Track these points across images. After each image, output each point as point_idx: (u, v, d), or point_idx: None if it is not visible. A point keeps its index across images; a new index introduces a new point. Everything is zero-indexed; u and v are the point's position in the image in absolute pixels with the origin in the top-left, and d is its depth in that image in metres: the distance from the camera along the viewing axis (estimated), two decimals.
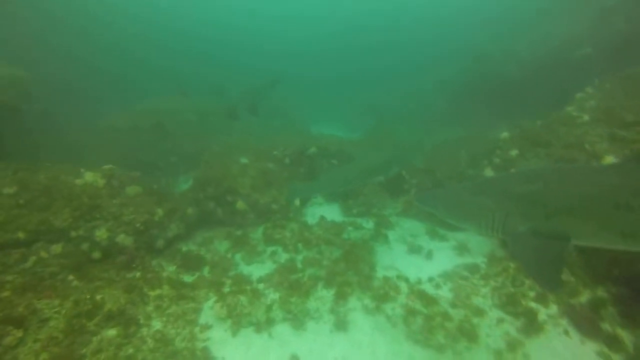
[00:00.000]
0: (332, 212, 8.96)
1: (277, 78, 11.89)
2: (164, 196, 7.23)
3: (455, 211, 4.94)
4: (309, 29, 46.33)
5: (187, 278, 6.13)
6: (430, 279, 6.13)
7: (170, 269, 6.38)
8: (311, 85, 27.08)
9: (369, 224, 8.42)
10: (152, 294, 5.11)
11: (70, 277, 5.26)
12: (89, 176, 6.81)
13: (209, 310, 5.16)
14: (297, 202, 8.60)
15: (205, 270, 6.39)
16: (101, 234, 6.07)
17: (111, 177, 7.05)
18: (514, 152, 8.57)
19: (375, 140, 14.16)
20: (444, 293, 5.73)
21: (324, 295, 5.58)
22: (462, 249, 7.22)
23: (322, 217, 8.20)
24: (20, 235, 5.51)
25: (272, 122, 17.50)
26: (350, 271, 6.09)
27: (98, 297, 4.70)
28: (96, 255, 6.01)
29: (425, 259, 7.03)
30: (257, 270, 6.36)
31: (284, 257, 6.72)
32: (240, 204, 7.76)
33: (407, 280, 6.02)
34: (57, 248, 5.62)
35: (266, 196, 8.05)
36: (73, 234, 5.89)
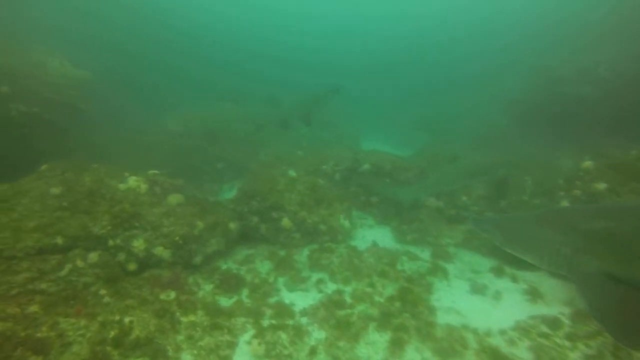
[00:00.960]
0: (383, 237, 8.15)
1: (336, 88, 11.31)
2: (206, 207, 6.80)
3: (515, 240, 4.61)
4: (364, 44, 46.01)
5: (224, 301, 5.58)
6: (502, 332, 5.15)
7: (207, 288, 5.88)
8: (363, 99, 26.44)
9: (424, 254, 7.54)
10: (185, 320, 4.59)
11: (103, 292, 4.87)
12: (132, 181, 6.52)
13: (245, 346, 4.54)
14: (343, 219, 7.89)
15: (244, 294, 5.82)
16: (139, 244, 5.69)
17: (154, 184, 6.73)
18: (601, 186, 7.40)
19: (429, 157, 13.19)
20: (522, 354, 4.75)
21: (377, 341, 4.80)
22: (534, 293, 6.16)
23: (374, 243, 7.43)
24: (59, 240, 5.22)
25: (321, 135, 16.97)
26: (406, 313, 5.27)
27: (127, 320, 4.23)
28: (132, 267, 5.64)
29: (491, 303, 6.05)
30: (300, 300, 5.69)
31: (330, 287, 6.01)
32: (286, 222, 7.17)
33: (475, 331, 5.09)
34: (93, 257, 5.28)
35: (314, 215, 7.42)
36: (110, 242, 5.55)
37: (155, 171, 7.13)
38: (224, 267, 6.52)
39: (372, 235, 8.16)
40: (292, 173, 8.68)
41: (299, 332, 4.75)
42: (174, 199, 6.63)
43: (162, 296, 5.01)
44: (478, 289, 6.34)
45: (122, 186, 6.42)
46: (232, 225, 6.80)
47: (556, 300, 5.90)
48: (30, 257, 4.95)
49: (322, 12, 47.27)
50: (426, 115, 23.62)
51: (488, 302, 6.05)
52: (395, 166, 9.47)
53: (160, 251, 5.78)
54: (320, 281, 6.15)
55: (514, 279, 6.67)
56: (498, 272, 6.88)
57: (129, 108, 18.14)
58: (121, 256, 5.58)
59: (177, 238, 5.89)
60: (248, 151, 14.20)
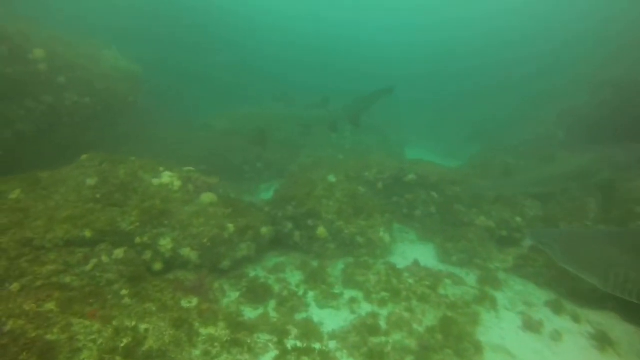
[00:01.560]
0: (426, 255, 7.49)
1: (389, 88, 10.82)
2: (239, 209, 6.48)
3: (576, 257, 4.24)
4: (408, 52, 44.80)
5: (249, 312, 5.21)
6: None
7: (232, 296, 5.55)
8: (408, 106, 25.45)
9: (470, 279, 6.81)
10: (204, 332, 4.24)
11: (124, 291, 4.64)
12: (166, 177, 6.33)
13: None
14: (383, 232, 7.30)
15: (271, 306, 5.42)
16: (166, 243, 5.45)
17: (188, 181, 6.52)
18: None
19: (480, 171, 12.22)
20: None
21: None
22: (602, 339, 5.27)
23: (416, 262, 6.79)
24: (87, 234, 5.08)
25: (365, 139, 16.37)
26: (449, 348, 4.63)
27: (142, 327, 3.94)
28: (157, 266, 5.41)
29: (549, 345, 5.25)
30: (330, 320, 5.21)
31: (365, 308, 5.46)
32: (321, 231, 6.72)
33: None
34: (119, 253, 5.09)
35: (352, 226, 6.91)
36: (137, 239, 5.35)
37: (191, 168, 6.93)
38: (252, 274, 6.17)
39: (414, 252, 7.53)
40: (332, 178, 8.24)
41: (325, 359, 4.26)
42: (206, 198, 6.37)
43: (184, 302, 4.71)
44: (532, 326, 5.56)
45: (155, 181, 6.25)
46: (264, 230, 6.44)
47: (633, 351, 5.02)
48: (58, 249, 4.84)
49: (368, 20, 46.72)
50: (473, 123, 22.36)
51: (544, 344, 5.27)
52: (442, 178, 8.74)
53: (187, 252, 5.52)
54: (353, 300, 5.63)
55: (576, 319, 5.81)
56: (556, 308, 6.04)
57: (177, 104, 18.57)
58: (147, 254, 5.37)
59: (205, 240, 5.60)
60: (289, 152, 13.94)
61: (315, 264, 6.56)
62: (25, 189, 5.77)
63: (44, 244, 4.79)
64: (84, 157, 6.59)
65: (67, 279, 4.58)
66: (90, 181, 5.97)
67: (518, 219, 8.13)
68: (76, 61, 10.21)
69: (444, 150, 20.53)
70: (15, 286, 4.20)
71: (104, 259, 4.95)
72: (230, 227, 5.95)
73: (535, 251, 7.20)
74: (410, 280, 6.13)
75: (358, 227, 6.95)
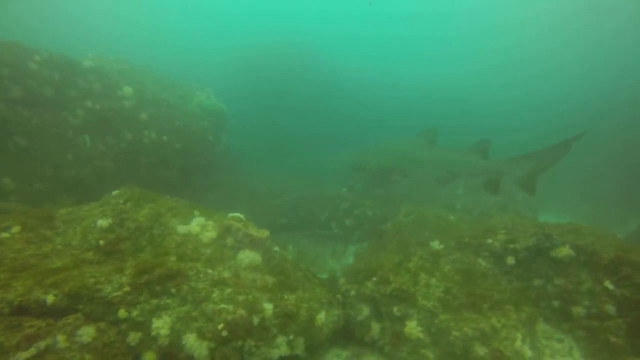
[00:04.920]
0: None
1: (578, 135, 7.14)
2: (291, 280, 4.33)
3: None
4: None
5: None
6: None
7: None
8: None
9: None
10: None
11: None
12: (196, 224, 4.59)
13: None
14: (520, 341, 4.34)
15: None
16: (162, 324, 3.52)
17: (227, 232, 4.66)
18: None
19: None
20: None
21: None
22: None
23: None
24: (50, 298, 3.43)
25: (481, 198, 13.05)
26: None
27: None
28: (148, 358, 3.48)
29: None
30: None
31: None
32: (412, 328, 4.13)
33: None
34: (87, 332, 3.30)
35: (466, 323, 4.16)
36: (122, 313, 3.52)
37: (239, 214, 5.10)
38: None
39: None
40: (436, 245, 5.66)
41: None
42: (246, 257, 4.40)
43: None
44: None
45: (181, 229, 4.54)
46: (321, 319, 4.08)
47: None
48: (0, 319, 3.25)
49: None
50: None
51: None
52: (623, 257, 5.39)
53: (192, 341, 3.48)
54: None
55: None
56: None
57: (277, 156, 18.05)
58: (134, 337, 3.48)
59: (220, 325, 3.53)
60: (387, 208, 11.57)
61: None
62: (29, 226, 4.54)
63: None
64: (114, 192, 5.30)
65: None
66: (103, 222, 4.52)
67: None
68: (163, 98, 9.82)
69: (598, 220, 15.49)
70: None
71: (61, 341, 3.18)
72: (267, 308, 3.79)
73: None
74: None
75: (476, 327, 4.16)
